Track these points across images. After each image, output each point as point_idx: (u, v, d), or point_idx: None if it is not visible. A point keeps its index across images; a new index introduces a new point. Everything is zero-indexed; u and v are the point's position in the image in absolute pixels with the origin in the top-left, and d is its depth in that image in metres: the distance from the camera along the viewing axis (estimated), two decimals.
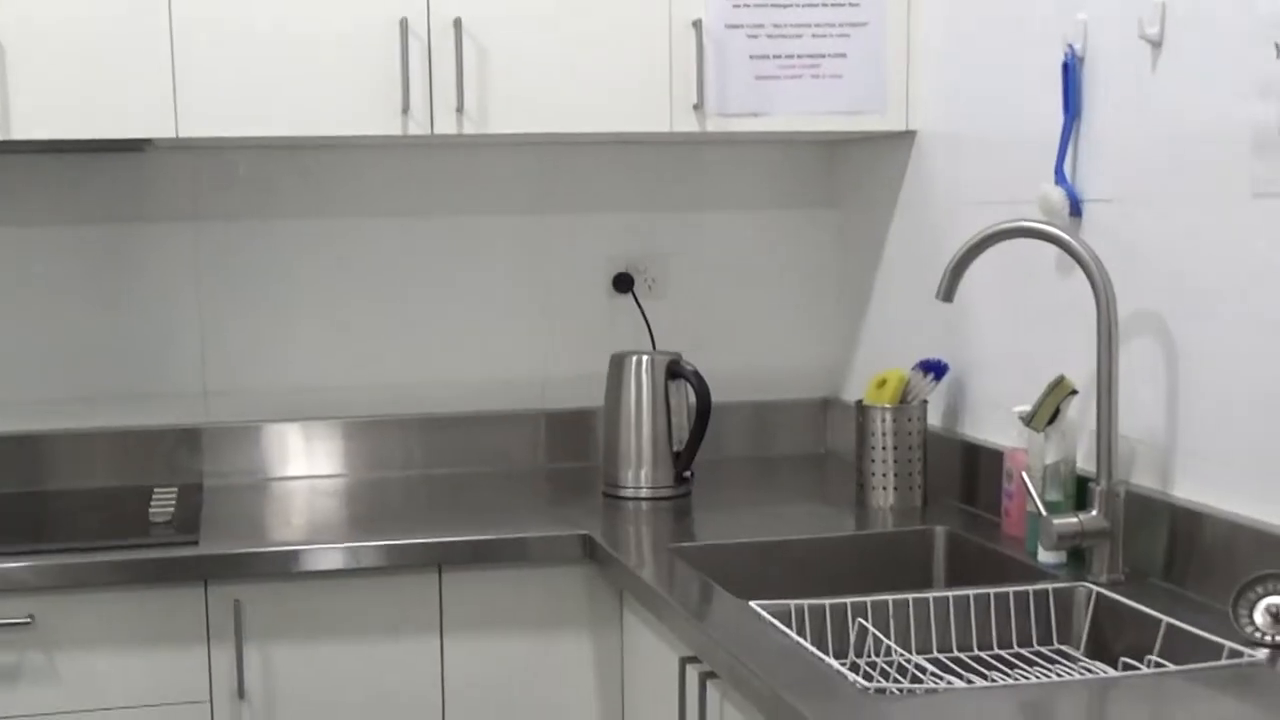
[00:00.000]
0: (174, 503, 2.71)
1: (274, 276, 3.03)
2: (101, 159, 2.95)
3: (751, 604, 2.01)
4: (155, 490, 2.85)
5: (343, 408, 3.08)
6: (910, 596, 2.07)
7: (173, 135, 2.61)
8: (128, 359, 2.98)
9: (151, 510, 2.62)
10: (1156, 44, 2.12)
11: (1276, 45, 1.87)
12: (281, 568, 2.40)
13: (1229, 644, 1.78)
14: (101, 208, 2.96)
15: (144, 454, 2.97)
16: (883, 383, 2.68)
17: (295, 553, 2.41)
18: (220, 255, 3.00)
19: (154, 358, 2.99)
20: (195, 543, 2.43)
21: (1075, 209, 2.30)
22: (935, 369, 2.67)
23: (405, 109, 2.66)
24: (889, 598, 2.06)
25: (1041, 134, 2.37)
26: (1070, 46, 2.29)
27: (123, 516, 2.65)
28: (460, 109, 2.68)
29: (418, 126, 2.68)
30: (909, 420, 2.63)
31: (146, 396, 2.99)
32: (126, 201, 2.96)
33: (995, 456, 2.47)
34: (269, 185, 3.02)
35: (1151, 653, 1.90)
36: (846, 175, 3.19)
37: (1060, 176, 2.32)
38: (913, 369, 2.69)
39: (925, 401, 2.66)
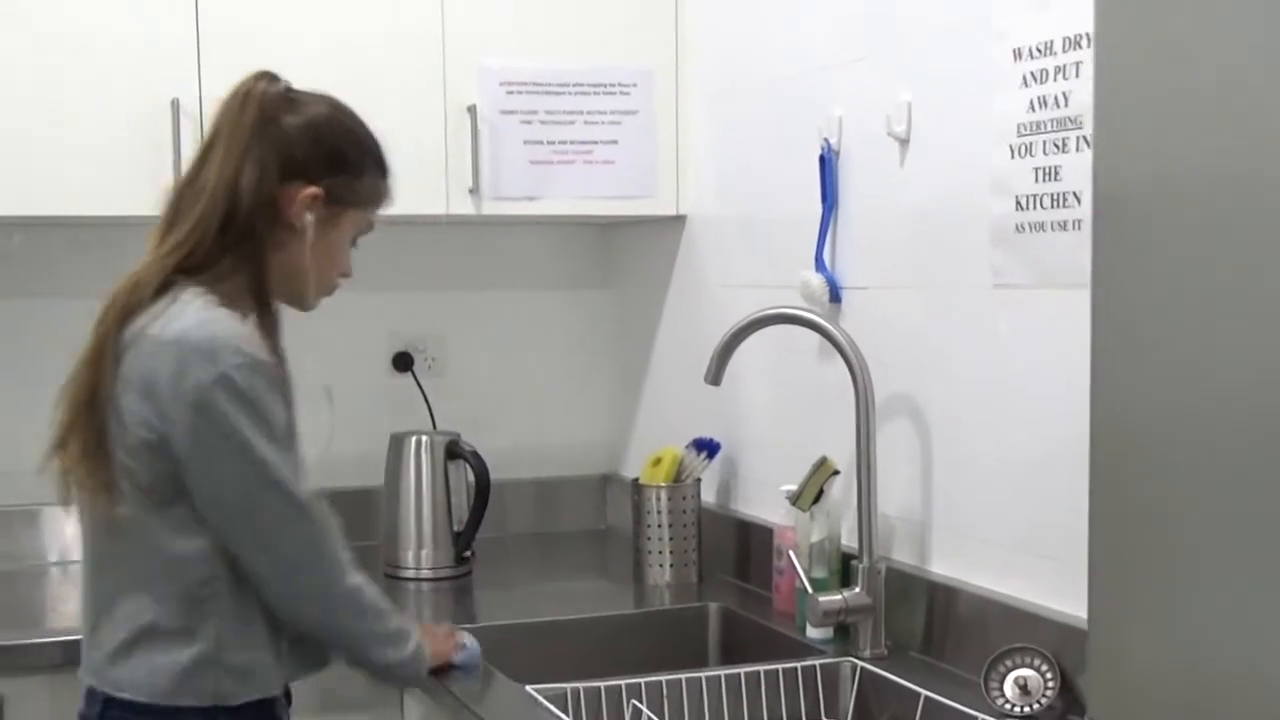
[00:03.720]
0: None
1: (54, 356, 2.95)
2: None
3: (528, 688, 2.03)
4: None
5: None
6: (684, 676, 2.12)
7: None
8: None
9: None
10: (904, 141, 2.24)
11: (1010, 146, 2.00)
12: (43, 660, 2.33)
13: (981, 716, 1.87)
14: None
15: None
16: (658, 461, 2.74)
17: (56, 645, 2.34)
18: None
19: None
20: None
21: (835, 295, 2.41)
22: (708, 447, 2.74)
23: None
24: (663, 678, 2.11)
25: (802, 222, 2.47)
26: (826, 140, 2.40)
27: None
28: None
29: None
30: (683, 498, 2.69)
31: None
32: None
33: (766, 533, 2.54)
34: (50, 263, 2.94)
35: None
36: (621, 257, 3.27)
37: (820, 264, 2.42)
38: (686, 447, 2.76)
39: (699, 480, 2.73)
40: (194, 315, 1.78)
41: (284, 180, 1.85)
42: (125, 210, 2.63)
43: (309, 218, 1.86)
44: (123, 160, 2.62)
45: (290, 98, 1.90)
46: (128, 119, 2.62)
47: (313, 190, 1.86)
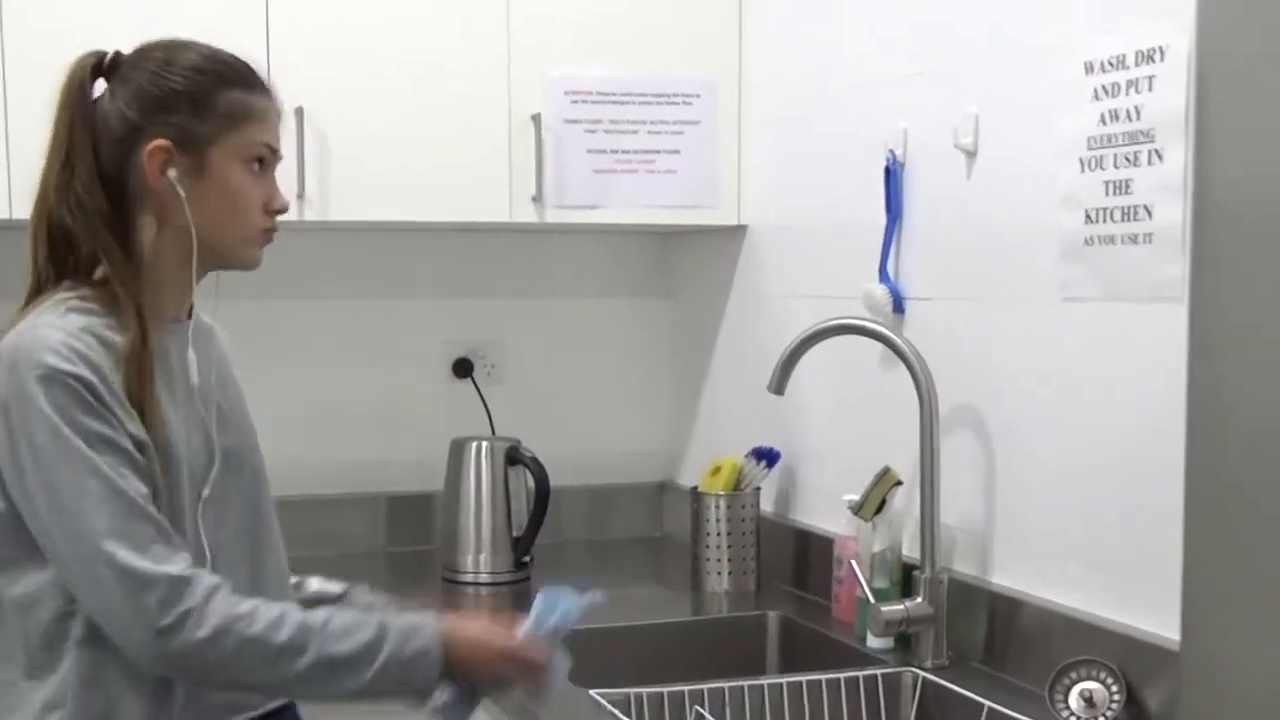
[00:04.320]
0: None
1: None
2: None
3: (591, 692, 2.05)
4: None
5: None
6: (745, 683, 2.13)
7: (7, 217, 2.58)
8: None
9: None
10: (971, 153, 2.24)
11: (1080, 160, 2.00)
12: None
13: None
14: None
15: None
16: (717, 470, 2.75)
17: None
18: None
19: None
20: None
21: (898, 306, 2.41)
22: (768, 456, 2.75)
23: None
24: (725, 684, 2.12)
25: (866, 233, 2.48)
26: (891, 152, 2.41)
27: None
28: (301, 195, 2.70)
29: None
30: (743, 507, 2.71)
31: None
32: None
33: (826, 543, 2.55)
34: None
35: None
36: (681, 266, 3.28)
37: (884, 275, 2.43)
38: (746, 456, 2.77)
39: (758, 488, 2.74)
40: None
41: (125, 148, 1.66)
42: None
43: (171, 173, 1.65)
44: None
45: (114, 64, 1.70)
46: None
47: (157, 144, 1.65)
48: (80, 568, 1.54)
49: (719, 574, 2.70)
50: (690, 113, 2.88)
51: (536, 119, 2.79)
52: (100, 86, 1.70)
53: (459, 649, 1.65)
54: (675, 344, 3.31)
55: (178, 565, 1.55)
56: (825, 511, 2.65)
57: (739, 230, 2.97)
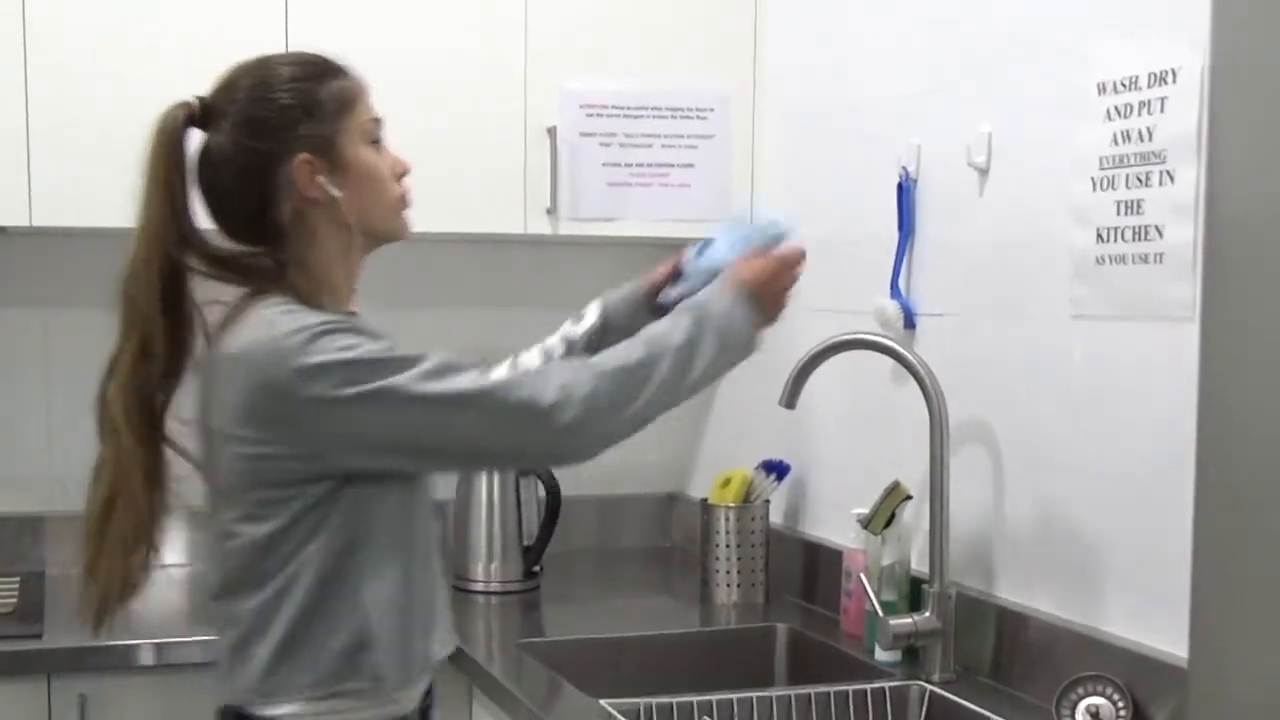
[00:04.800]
0: (16, 593, 2.68)
1: (67, 364, 3.01)
2: None
3: (601, 702, 2.07)
4: None
5: (191, 496, 3.05)
6: (754, 695, 2.15)
7: (26, 224, 2.61)
8: None
9: None
10: (984, 171, 2.26)
11: (1092, 179, 2.02)
12: (128, 661, 2.39)
13: None
14: None
15: None
16: (727, 481, 2.77)
17: (142, 646, 2.40)
18: (70, 342, 2.99)
19: None
20: (39, 635, 2.41)
21: (909, 321, 2.43)
22: (777, 469, 2.77)
23: None
24: (734, 696, 2.14)
25: (878, 248, 2.50)
26: (904, 168, 2.43)
27: None
28: None
29: None
30: (752, 519, 2.72)
31: None
32: None
33: (835, 555, 2.57)
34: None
35: None
36: None
37: (895, 290, 2.45)
38: (755, 469, 2.79)
39: (768, 501, 2.76)
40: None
41: (261, 175, 1.73)
42: (208, 223, 2.69)
43: (320, 180, 1.74)
44: None
45: (207, 108, 1.76)
46: None
47: (301, 159, 1.72)
48: (456, 433, 1.69)
49: (728, 585, 2.72)
50: (704, 127, 2.91)
51: (552, 132, 2.82)
52: (195, 133, 1.75)
53: (755, 287, 1.86)
54: None
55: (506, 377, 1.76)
56: (834, 524, 2.66)
57: None
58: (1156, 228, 1.92)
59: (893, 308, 2.43)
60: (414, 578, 1.77)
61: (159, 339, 1.74)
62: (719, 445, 3.18)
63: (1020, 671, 2.15)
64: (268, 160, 1.72)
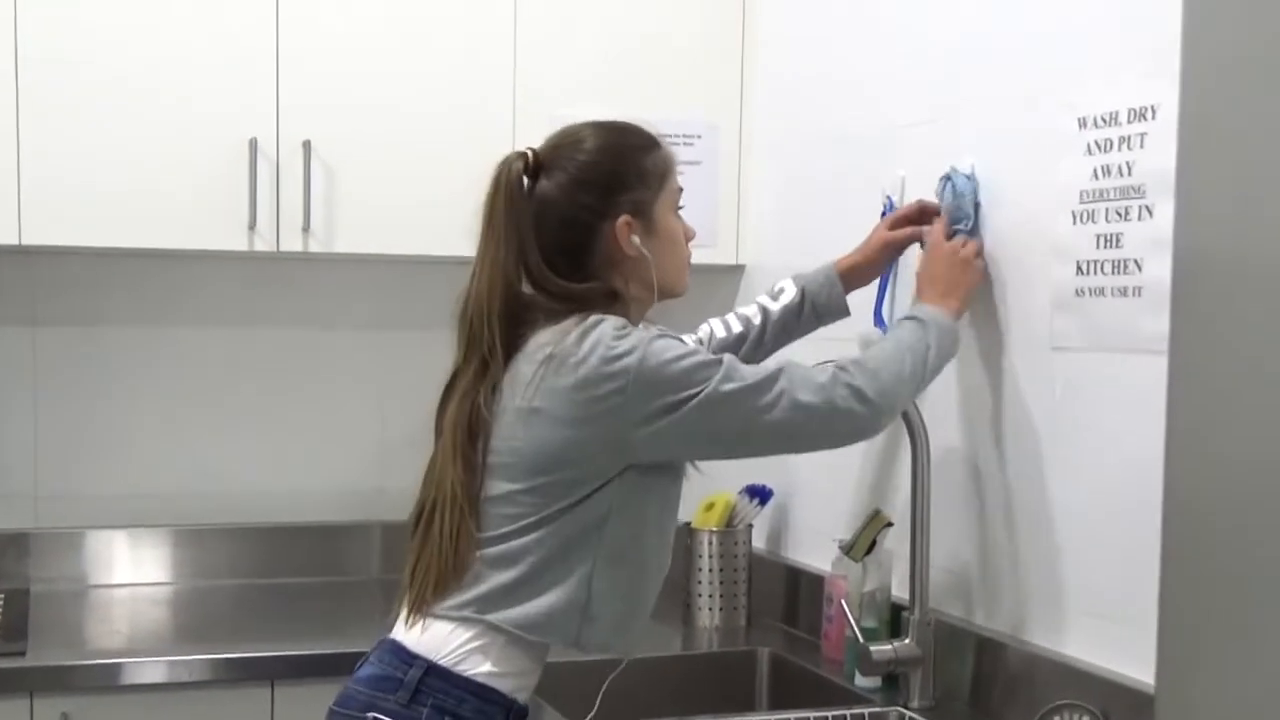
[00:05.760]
0: (0, 610, 2.68)
1: (111, 382, 3.03)
2: None
3: None
4: None
5: (175, 515, 3.07)
6: (735, 719, 2.16)
7: (15, 243, 2.62)
8: None
9: None
10: None
11: (1072, 212, 2.05)
12: (111, 680, 2.40)
13: None
14: None
15: None
16: (710, 506, 2.79)
17: (125, 665, 2.41)
18: (57, 361, 3.00)
19: None
20: (22, 653, 2.42)
21: None
22: (761, 494, 2.79)
23: (252, 226, 2.71)
24: None
25: None
26: (889, 198, 2.45)
27: None
28: (306, 228, 2.75)
29: (264, 243, 2.73)
30: (735, 543, 2.74)
31: None
32: None
33: (816, 581, 2.58)
34: (109, 291, 3.03)
35: None
36: (679, 303, 3.30)
37: (879, 319, 2.47)
38: (739, 493, 2.81)
39: (750, 526, 2.77)
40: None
41: (586, 228, 1.92)
42: (200, 244, 2.72)
43: (635, 240, 1.92)
44: (198, 196, 2.70)
45: (541, 163, 1.95)
46: (208, 157, 2.70)
47: (623, 220, 1.91)
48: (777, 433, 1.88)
49: (710, 610, 2.73)
50: (692, 153, 2.93)
51: None
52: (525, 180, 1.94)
53: (948, 297, 2.13)
54: None
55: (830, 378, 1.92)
56: (816, 550, 2.68)
57: (737, 269, 3.01)
58: (1135, 261, 1.94)
59: (877, 336, 2.45)
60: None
61: (497, 360, 1.89)
62: (703, 469, 3.18)
63: (999, 699, 2.16)
64: (592, 215, 1.92)
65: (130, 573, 3.02)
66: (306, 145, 2.73)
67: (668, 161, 2.00)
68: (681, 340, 1.90)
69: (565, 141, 1.98)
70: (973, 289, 2.18)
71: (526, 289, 1.93)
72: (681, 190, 2.02)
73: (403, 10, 2.80)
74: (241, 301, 3.11)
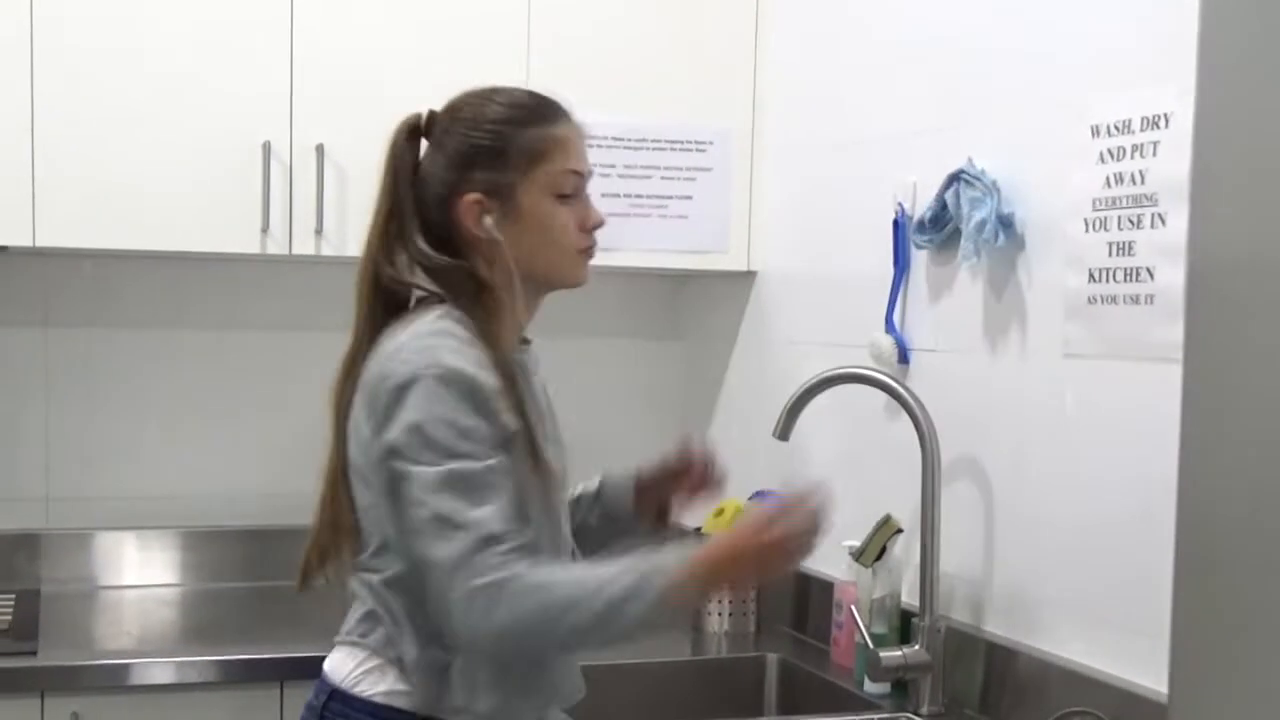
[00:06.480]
0: (11, 610, 2.69)
1: (122, 384, 3.04)
2: None
3: None
4: None
5: (185, 517, 3.08)
6: None
7: (29, 244, 2.63)
8: None
9: None
10: None
11: (1085, 220, 2.05)
12: (121, 680, 2.40)
13: None
14: None
15: None
16: (720, 512, 2.78)
17: (136, 665, 2.41)
18: (70, 361, 3.01)
19: None
20: (34, 653, 2.42)
21: (904, 356, 2.46)
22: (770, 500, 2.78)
23: (265, 229, 2.72)
24: None
25: (873, 283, 2.52)
26: (900, 205, 2.45)
27: None
28: (319, 231, 2.75)
29: (276, 246, 2.74)
30: None
31: None
32: None
33: (826, 587, 2.59)
34: (121, 293, 3.04)
35: None
36: (691, 310, 3.33)
37: (890, 325, 2.48)
38: (749, 499, 2.80)
39: None
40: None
41: (446, 204, 1.80)
42: (212, 247, 2.73)
43: (487, 221, 1.79)
44: (211, 198, 2.70)
45: (414, 126, 1.86)
46: (221, 160, 2.70)
47: (470, 199, 1.79)
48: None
49: (719, 615, 2.73)
50: (703, 160, 2.94)
51: None
52: (423, 146, 1.85)
53: (716, 567, 1.74)
54: (682, 386, 3.35)
55: None
56: (826, 556, 2.67)
57: (748, 276, 3.02)
58: (1148, 269, 1.94)
59: (887, 342, 2.46)
60: None
61: (360, 338, 1.83)
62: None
63: (1008, 705, 2.16)
64: (448, 189, 1.80)
65: (140, 574, 3.02)
66: (320, 149, 2.73)
67: (555, 141, 1.81)
68: (491, 403, 1.71)
69: (456, 104, 1.86)
70: (749, 582, 1.95)
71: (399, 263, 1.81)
72: (579, 174, 1.84)
73: (416, 15, 2.81)
74: (253, 304, 3.12)
